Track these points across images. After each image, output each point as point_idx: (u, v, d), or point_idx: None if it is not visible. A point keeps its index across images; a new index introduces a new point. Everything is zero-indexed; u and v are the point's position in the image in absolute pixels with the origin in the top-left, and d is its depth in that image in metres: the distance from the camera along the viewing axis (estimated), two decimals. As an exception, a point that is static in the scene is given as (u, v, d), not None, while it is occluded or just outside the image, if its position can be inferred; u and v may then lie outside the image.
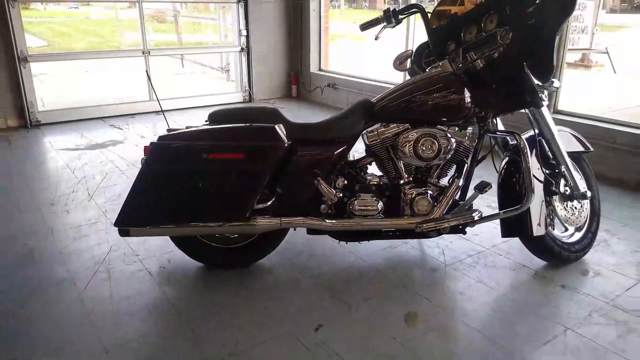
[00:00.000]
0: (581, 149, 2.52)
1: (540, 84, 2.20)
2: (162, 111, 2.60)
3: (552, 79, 2.22)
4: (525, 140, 2.20)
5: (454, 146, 2.24)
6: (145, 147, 2.15)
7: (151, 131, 5.09)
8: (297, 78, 6.86)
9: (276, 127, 2.10)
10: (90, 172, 3.82)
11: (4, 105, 5.09)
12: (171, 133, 2.10)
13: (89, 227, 2.89)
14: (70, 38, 16.45)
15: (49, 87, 7.62)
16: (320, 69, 6.70)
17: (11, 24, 4.89)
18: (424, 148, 2.20)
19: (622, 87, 8.32)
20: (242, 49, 6.43)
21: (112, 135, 4.91)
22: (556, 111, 4.01)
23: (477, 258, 2.54)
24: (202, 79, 9.32)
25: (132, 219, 2.13)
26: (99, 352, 1.87)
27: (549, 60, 2.16)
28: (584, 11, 10.11)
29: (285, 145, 2.10)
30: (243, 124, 2.12)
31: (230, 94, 6.64)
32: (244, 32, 6.32)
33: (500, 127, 2.45)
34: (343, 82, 6.18)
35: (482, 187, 2.19)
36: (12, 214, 3.09)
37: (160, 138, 2.08)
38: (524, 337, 1.95)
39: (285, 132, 2.15)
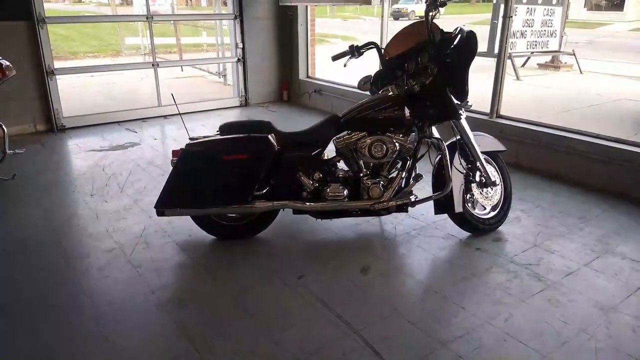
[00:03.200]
0: (497, 148, 3.40)
1: (459, 102, 3.08)
2: (184, 126, 3.45)
3: (467, 100, 3.10)
4: (446, 146, 3.09)
5: (399, 148, 3.10)
6: (174, 151, 3.02)
7: (162, 134, 5.92)
8: (288, 84, 7.71)
9: (269, 136, 2.96)
10: (117, 169, 4.66)
11: (33, 113, 5.91)
12: (196, 141, 2.96)
13: (125, 212, 3.74)
14: (72, 42, 17.18)
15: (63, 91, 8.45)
16: (308, 76, 7.55)
17: (40, 42, 5.70)
18: (376, 150, 3.07)
19: (577, 88, 9.18)
20: (238, 59, 7.27)
21: (129, 137, 5.74)
22: (498, 115, 4.89)
23: (420, 231, 3.42)
24: (201, 83, 10.11)
25: (167, 203, 3.00)
26: (148, 294, 2.72)
27: (464, 87, 3.04)
28: (553, 16, 11.06)
29: (276, 150, 2.97)
30: (246, 135, 2.99)
31: (228, 99, 7.49)
32: (240, 45, 7.16)
33: (435, 133, 3.31)
34: (328, 89, 7.04)
35: (417, 178, 3.08)
36: (62, 202, 3.93)
37: (188, 145, 2.94)
38: (443, 280, 2.83)
39: (275, 140, 3.01)
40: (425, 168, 3.30)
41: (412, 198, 3.12)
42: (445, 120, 3.18)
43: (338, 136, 3.17)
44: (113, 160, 4.94)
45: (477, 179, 3.25)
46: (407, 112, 3.07)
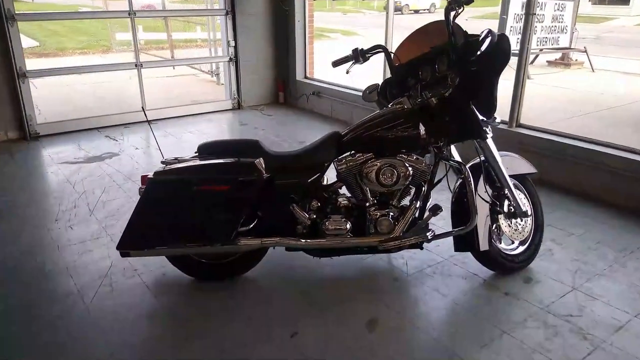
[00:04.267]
0: (526, 171, 2.88)
1: (484, 119, 2.56)
2: (158, 145, 2.93)
3: (495, 116, 2.58)
4: (469, 171, 2.56)
5: (412, 173, 2.58)
6: (143, 177, 2.49)
7: (145, 142, 5.40)
8: (284, 85, 7.18)
9: (256, 162, 2.43)
10: (89, 186, 4.14)
11: (4, 119, 5.38)
12: (165, 169, 2.43)
13: (92, 242, 3.22)
14: (62, 37, 16.60)
15: (43, 93, 7.91)
16: (305, 77, 7.02)
17: (10, 42, 5.15)
18: (384, 176, 2.55)
19: (593, 87, 8.67)
20: (230, 59, 6.73)
21: (108, 146, 5.22)
22: (518, 125, 4.37)
23: (436, 268, 2.90)
24: (193, 83, 9.58)
25: (132, 243, 2.48)
26: (105, 354, 2.21)
27: (491, 101, 2.52)
28: (564, 11, 10.52)
29: (263, 178, 2.44)
30: (227, 160, 2.46)
31: (219, 102, 6.95)
32: (232, 43, 6.62)
33: (455, 153, 2.79)
34: (327, 91, 6.51)
35: (435, 210, 2.56)
36: (20, 230, 3.41)
37: (157, 173, 2.41)
38: (467, 339, 2.32)
39: (264, 164, 2.49)
40: (442, 196, 2.79)
41: (429, 234, 2.60)
42: (467, 139, 2.66)
43: (339, 158, 2.65)
44: (87, 174, 4.42)
45: (506, 209, 2.73)
46: (422, 129, 2.55)
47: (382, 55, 2.89)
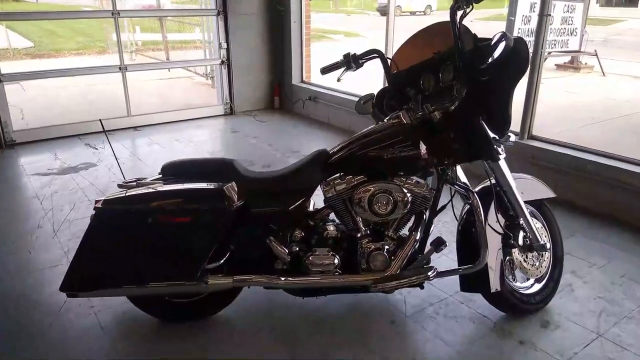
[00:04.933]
0: (544, 196, 2.49)
1: (496, 137, 2.17)
2: (119, 166, 2.56)
3: (509, 134, 2.20)
4: (478, 199, 2.17)
5: (411, 200, 2.20)
6: (96, 202, 2.12)
7: (128, 151, 5.03)
8: (280, 90, 6.80)
9: (225, 188, 2.05)
10: (59, 202, 3.77)
11: (-23, 125, 5.03)
12: (115, 197, 2.05)
13: (50, 270, 2.84)
14: (59, 38, 16.27)
15: (31, 96, 7.58)
16: (302, 81, 6.64)
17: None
18: (379, 204, 2.17)
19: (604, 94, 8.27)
20: (222, 61, 6.36)
21: (86, 156, 4.85)
22: (530, 137, 3.98)
23: (439, 307, 2.51)
24: (187, 85, 9.23)
25: (79, 283, 2.10)
26: None
27: (504, 116, 2.14)
28: (574, 13, 10.11)
29: (234, 208, 2.06)
30: (191, 185, 2.08)
31: (211, 107, 6.58)
32: (224, 45, 6.25)
33: (461, 175, 2.40)
34: (324, 96, 6.13)
35: (437, 245, 2.17)
36: (-26, 253, 3.05)
37: (105, 202, 2.03)
38: (475, 403, 1.93)
39: (236, 191, 2.11)
40: (446, 226, 2.40)
41: (430, 273, 2.21)
42: (475, 160, 2.28)
43: (327, 181, 2.27)
44: (58, 187, 4.05)
45: (521, 241, 2.34)
46: (423, 148, 2.17)
47: (378, 61, 2.51)
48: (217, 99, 6.62)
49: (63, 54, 13.50)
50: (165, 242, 2.06)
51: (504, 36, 2.01)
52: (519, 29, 8.94)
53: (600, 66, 10.19)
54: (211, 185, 2.08)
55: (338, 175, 2.27)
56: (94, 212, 2.03)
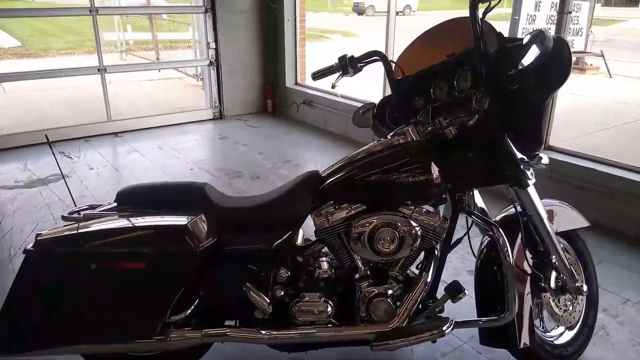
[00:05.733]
0: (578, 225, 2.10)
1: (524, 158, 1.78)
2: (68, 189, 2.16)
3: (540, 155, 1.80)
4: (504, 236, 1.77)
5: (420, 234, 1.80)
6: (37, 235, 1.71)
7: (104, 160, 4.62)
8: (272, 92, 6.40)
9: (190, 225, 1.65)
10: (20, 221, 3.36)
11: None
12: (50, 236, 1.64)
13: (-5, 308, 2.43)
14: (50, 37, 15.80)
15: (11, 99, 7.17)
16: (296, 83, 6.24)
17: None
18: (382, 241, 1.77)
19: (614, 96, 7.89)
20: (210, 62, 5.95)
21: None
22: (547, 147, 3.59)
23: (452, 358, 2.12)
24: (177, 87, 8.83)
25: (9, 342, 1.68)
26: None
27: (536, 133, 1.75)
28: (579, 12, 9.73)
29: (202, 248, 1.66)
30: (146, 222, 1.68)
31: (199, 111, 6.17)
32: (213, 45, 5.84)
33: (479, 201, 2.00)
34: (319, 100, 5.72)
35: (454, 293, 1.78)
36: None
37: (38, 243, 1.62)
38: None
39: (206, 226, 1.71)
40: (461, 263, 2.01)
41: (445, 327, 1.81)
42: (499, 184, 1.88)
43: (319, 210, 1.87)
44: (22, 203, 3.64)
45: (553, 283, 1.94)
46: (434, 171, 1.77)
47: (380, 65, 2.10)
48: (205, 102, 6.22)
49: (52, 53, 13.08)
50: (115, 293, 1.65)
51: (538, 36, 1.61)
52: (524, 28, 8.57)
53: (607, 67, 9.82)
54: (173, 221, 1.67)
55: (331, 203, 1.87)
56: (25, 257, 1.62)
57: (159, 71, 9.90)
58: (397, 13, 4.68)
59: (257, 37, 6.11)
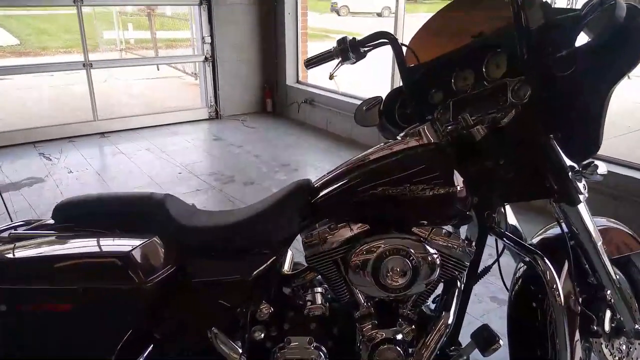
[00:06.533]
0: (633, 249, 1.69)
1: (574, 166, 1.37)
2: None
3: (595, 162, 1.39)
4: (552, 268, 1.36)
5: (440, 263, 1.40)
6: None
7: (85, 163, 4.24)
8: (272, 91, 6.01)
9: (134, 253, 1.25)
10: (-19, 231, 2.98)
11: None
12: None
13: None
14: (48, 37, 15.56)
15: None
16: (298, 81, 5.85)
17: None
18: (390, 273, 1.37)
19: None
20: (206, 58, 5.58)
21: (36, 168, 4.07)
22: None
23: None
24: (174, 86, 8.50)
25: None
26: None
27: (592, 134, 1.34)
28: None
29: (150, 284, 1.26)
30: (76, 250, 1.29)
31: (194, 110, 5.80)
32: (208, 39, 5.47)
33: (511, 218, 1.60)
34: (322, 99, 5.33)
35: (485, 344, 1.37)
36: None
37: None
38: None
39: (162, 251, 1.32)
40: (483, 287, 1.60)
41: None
42: (540, 198, 1.48)
43: (310, 230, 1.48)
44: (-13, 211, 3.27)
45: (607, 325, 1.53)
46: (458, 181, 1.37)
47: (388, 50, 1.70)
48: (201, 101, 5.84)
49: (50, 51, 12.82)
50: (38, 342, 1.26)
51: (604, 3, 1.21)
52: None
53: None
54: (113, 247, 1.28)
55: (325, 221, 1.47)
56: None
57: (158, 69, 9.60)
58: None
59: (255, 32, 5.73)
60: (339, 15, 20.56)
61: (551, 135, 1.35)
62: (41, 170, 4.02)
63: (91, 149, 4.63)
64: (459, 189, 1.37)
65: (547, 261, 1.36)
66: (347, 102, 4.97)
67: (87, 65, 4.91)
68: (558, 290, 1.34)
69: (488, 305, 2.23)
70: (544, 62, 1.29)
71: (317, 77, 5.92)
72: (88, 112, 5.08)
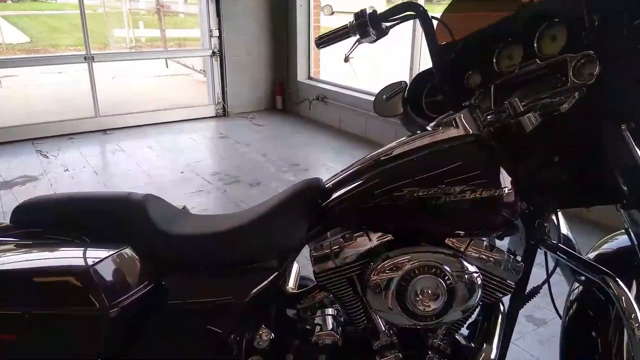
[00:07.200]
0: None
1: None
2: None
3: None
4: (627, 292, 1.08)
5: (481, 283, 1.13)
6: None
7: (83, 161, 4.02)
8: (283, 88, 5.76)
9: (96, 269, 0.99)
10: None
11: None
12: None
13: None
14: (60, 34, 15.50)
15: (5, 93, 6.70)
16: (309, 77, 5.59)
17: None
18: (419, 296, 1.10)
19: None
20: (213, 52, 5.34)
21: (31, 166, 3.85)
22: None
23: None
24: (183, 83, 8.31)
25: None
26: None
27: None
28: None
29: (117, 309, 1.00)
30: (27, 265, 1.03)
31: (201, 107, 5.57)
32: (216, 33, 5.23)
33: (564, 229, 1.33)
34: (334, 95, 5.07)
35: None
36: None
37: None
38: None
39: (137, 266, 1.06)
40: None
41: None
42: (606, 204, 1.20)
43: (320, 240, 1.21)
44: (-26, 212, 3.05)
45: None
46: (505, 182, 1.10)
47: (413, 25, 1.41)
48: (208, 98, 5.60)
49: (60, 49, 12.75)
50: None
51: None
52: None
53: None
54: (72, 260, 1.03)
55: (340, 230, 1.21)
56: None
57: (167, 67, 9.43)
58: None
59: (265, 25, 5.48)
60: (325, 14, 20.48)
61: (623, 126, 1.07)
62: (37, 168, 3.81)
63: (91, 146, 4.41)
64: (506, 191, 1.10)
65: (620, 283, 1.08)
66: (362, 98, 4.70)
67: (89, 58, 4.69)
68: (637, 319, 1.05)
69: (524, 326, 1.94)
70: (618, 32, 1.01)
71: (330, 73, 5.67)
72: (90, 108, 4.87)
